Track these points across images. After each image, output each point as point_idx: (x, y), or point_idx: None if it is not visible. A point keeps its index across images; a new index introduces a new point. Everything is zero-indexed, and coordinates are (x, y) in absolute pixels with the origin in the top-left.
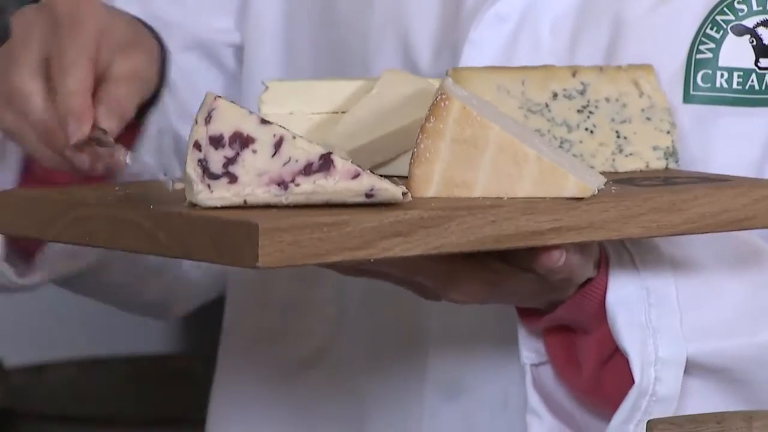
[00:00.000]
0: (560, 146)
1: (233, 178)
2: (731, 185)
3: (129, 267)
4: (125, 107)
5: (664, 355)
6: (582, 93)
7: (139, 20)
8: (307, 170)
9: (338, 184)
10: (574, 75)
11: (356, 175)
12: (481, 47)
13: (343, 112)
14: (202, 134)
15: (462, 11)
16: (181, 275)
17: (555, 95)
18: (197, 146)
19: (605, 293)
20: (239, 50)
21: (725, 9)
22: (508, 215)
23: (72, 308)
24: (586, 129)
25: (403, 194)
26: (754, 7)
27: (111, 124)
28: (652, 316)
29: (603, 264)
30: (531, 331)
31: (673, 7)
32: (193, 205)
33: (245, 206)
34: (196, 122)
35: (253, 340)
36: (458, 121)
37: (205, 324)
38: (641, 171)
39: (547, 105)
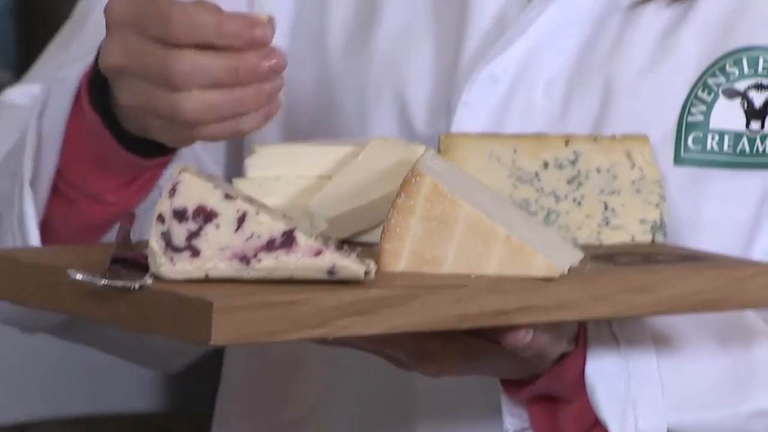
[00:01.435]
0: (546, 217)
1: (196, 252)
2: (707, 266)
3: None
4: None
5: (644, 426)
6: (573, 163)
7: None
8: (270, 246)
9: (300, 261)
10: (567, 144)
11: (318, 253)
12: (474, 108)
13: (329, 177)
14: (166, 207)
15: (457, 70)
16: None
17: (546, 164)
18: (161, 219)
19: (584, 365)
20: None
21: (717, 72)
22: (472, 295)
23: (54, 365)
24: (574, 200)
25: (365, 273)
26: (746, 71)
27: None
28: (632, 387)
29: (581, 336)
30: (514, 399)
31: (664, 69)
32: (156, 278)
33: (207, 280)
34: (161, 195)
35: (249, 399)
36: (429, 198)
37: (189, 382)
38: (624, 245)
39: (537, 174)
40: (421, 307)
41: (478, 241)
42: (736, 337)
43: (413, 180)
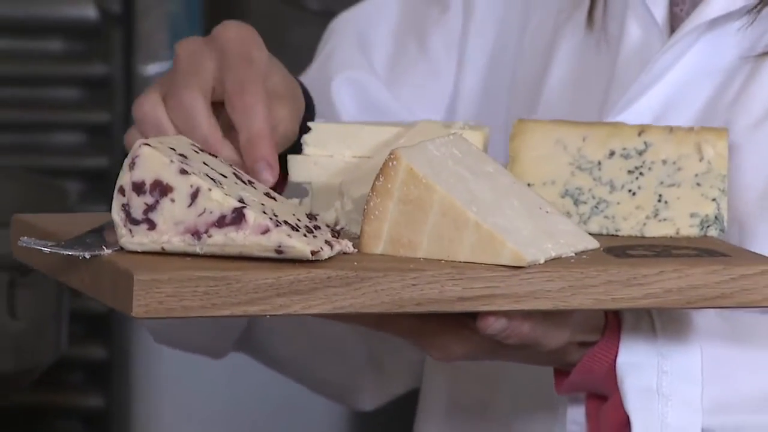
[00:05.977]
0: (595, 206)
1: (152, 225)
2: (711, 261)
3: (289, 339)
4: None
5: (673, 422)
6: (640, 153)
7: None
8: (220, 222)
9: (248, 239)
10: (640, 134)
11: (265, 231)
12: None
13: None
14: (126, 180)
15: (601, 116)
16: (363, 361)
17: (612, 153)
18: (121, 191)
19: (616, 356)
20: None
21: None
22: (431, 279)
23: (242, 402)
24: (630, 191)
25: (313, 252)
26: None
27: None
28: (664, 383)
29: (613, 328)
30: (563, 394)
31: None
32: (121, 249)
33: (163, 253)
34: (123, 168)
35: None
36: (405, 182)
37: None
38: (662, 237)
39: (599, 163)
40: (371, 289)
41: (450, 227)
42: None
43: (390, 163)
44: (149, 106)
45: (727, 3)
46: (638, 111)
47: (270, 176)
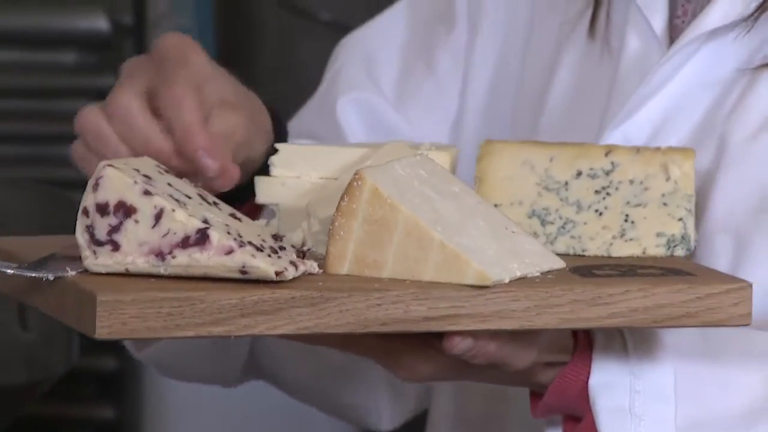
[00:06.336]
0: (562, 227)
1: (116, 246)
2: (675, 280)
3: (297, 364)
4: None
5: None
6: (608, 173)
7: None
8: (184, 243)
9: (212, 259)
10: (607, 154)
11: (229, 251)
12: None
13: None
14: (90, 201)
15: (602, 127)
16: (380, 382)
17: (579, 174)
18: (85, 212)
19: (588, 377)
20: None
21: None
22: (396, 299)
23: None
24: (596, 211)
25: (277, 273)
26: None
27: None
28: (637, 403)
29: (584, 348)
30: (539, 417)
31: None
32: (85, 270)
33: (127, 274)
34: (87, 189)
35: None
36: (370, 201)
37: None
38: (628, 257)
39: (566, 183)
40: (336, 309)
41: (415, 247)
42: None
43: (355, 183)
44: (89, 113)
45: (726, 13)
46: (638, 123)
47: (212, 163)
